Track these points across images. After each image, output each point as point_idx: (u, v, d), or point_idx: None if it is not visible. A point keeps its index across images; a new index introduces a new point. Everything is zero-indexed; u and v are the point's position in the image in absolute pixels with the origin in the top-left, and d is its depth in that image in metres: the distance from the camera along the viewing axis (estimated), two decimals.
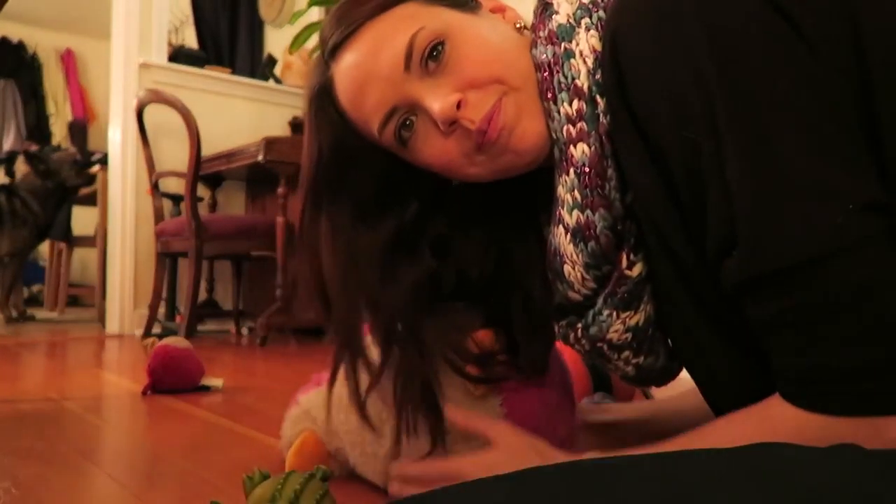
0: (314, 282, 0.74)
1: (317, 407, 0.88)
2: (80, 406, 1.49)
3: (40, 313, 4.48)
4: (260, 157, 2.82)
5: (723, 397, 0.64)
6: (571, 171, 0.62)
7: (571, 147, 0.62)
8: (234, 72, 3.99)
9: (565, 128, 0.62)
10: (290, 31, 3.23)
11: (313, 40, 3.15)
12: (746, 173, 0.50)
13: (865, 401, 0.50)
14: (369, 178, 0.73)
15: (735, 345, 0.59)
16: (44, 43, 6.35)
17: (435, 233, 0.77)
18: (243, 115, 3.66)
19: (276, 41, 4.32)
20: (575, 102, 0.61)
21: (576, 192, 0.62)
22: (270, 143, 2.84)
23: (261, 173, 3.14)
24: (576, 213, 0.63)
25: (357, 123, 0.69)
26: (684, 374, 0.73)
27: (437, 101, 0.63)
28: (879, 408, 0.50)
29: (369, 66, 0.65)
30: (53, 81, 6.38)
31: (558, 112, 0.62)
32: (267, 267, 3.22)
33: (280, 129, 3.72)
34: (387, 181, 0.73)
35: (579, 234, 0.63)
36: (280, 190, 2.89)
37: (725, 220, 0.52)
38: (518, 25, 0.71)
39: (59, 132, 6.26)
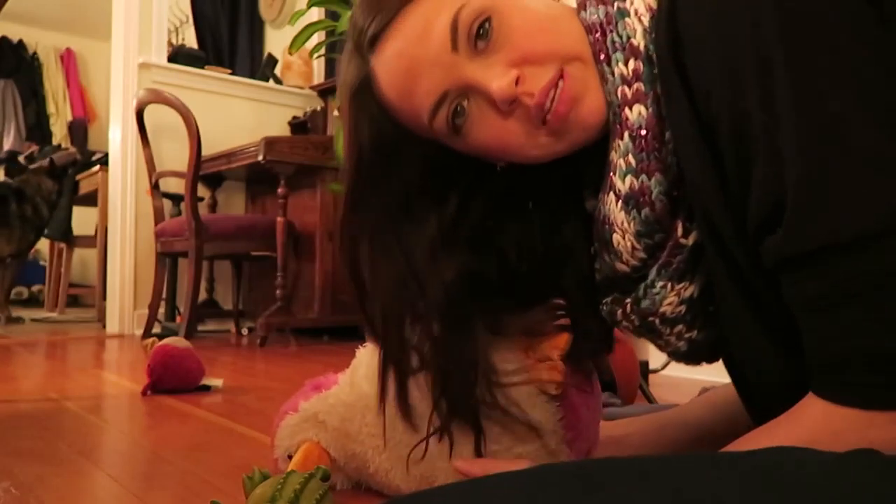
0: (354, 281, 0.72)
1: (326, 412, 0.84)
2: (80, 406, 1.49)
3: (40, 313, 4.49)
4: (260, 157, 2.82)
5: (760, 384, 0.62)
6: (626, 134, 0.59)
7: (626, 109, 0.59)
8: (234, 72, 3.99)
9: (620, 89, 0.59)
10: (290, 31, 3.23)
11: (313, 40, 3.15)
12: (802, 143, 0.48)
13: None
14: (414, 171, 0.70)
15: (769, 324, 0.57)
16: (44, 43, 6.36)
17: (479, 218, 0.74)
18: (243, 115, 3.66)
19: (276, 41, 4.32)
20: (631, 62, 0.59)
21: (630, 156, 0.59)
22: (270, 143, 2.84)
23: (261, 173, 3.14)
24: (629, 178, 0.60)
25: (404, 115, 0.66)
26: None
27: (495, 79, 0.60)
28: None
29: (415, 52, 0.62)
30: (53, 81, 6.38)
31: (612, 73, 0.60)
32: (267, 267, 3.22)
33: (280, 129, 3.72)
34: (432, 171, 0.71)
35: (632, 201, 0.61)
36: (280, 190, 2.89)
37: (773, 194, 0.50)
38: None
39: (59, 132, 6.27)
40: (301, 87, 3.85)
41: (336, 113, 3.14)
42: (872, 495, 0.42)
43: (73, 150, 4.66)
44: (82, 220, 4.63)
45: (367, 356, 0.85)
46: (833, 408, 0.51)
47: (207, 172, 3.21)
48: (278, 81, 3.87)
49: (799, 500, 0.42)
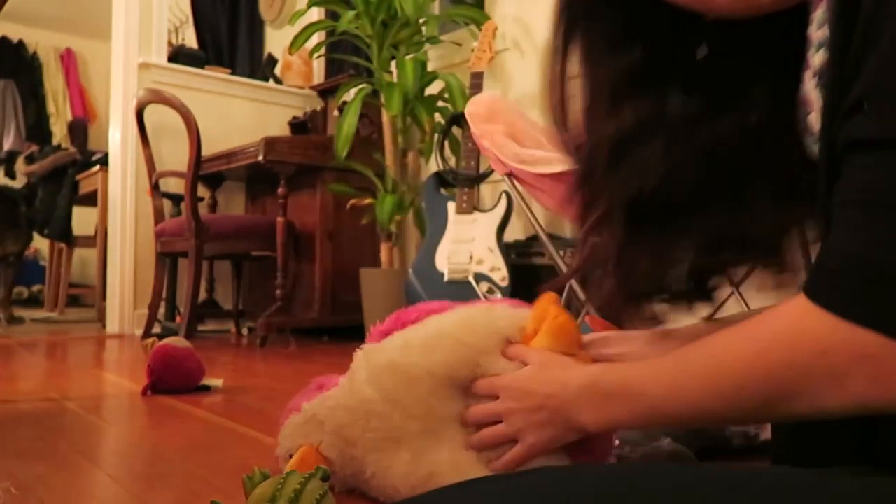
0: (559, 106, 0.73)
1: (326, 414, 0.84)
2: (80, 406, 1.50)
3: (40, 313, 4.49)
4: (260, 157, 2.83)
5: None
6: (822, 5, 0.57)
7: None
8: (234, 72, 3.99)
9: None
10: (290, 31, 3.23)
11: (313, 40, 3.15)
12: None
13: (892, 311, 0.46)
14: (615, 10, 0.71)
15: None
16: (44, 43, 6.36)
17: (686, 70, 0.72)
18: (243, 115, 3.66)
19: (276, 41, 4.32)
20: None
21: (826, 28, 0.56)
22: (270, 143, 2.84)
23: (261, 173, 3.14)
24: (822, 52, 0.56)
25: None
26: None
27: None
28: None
29: None
30: (53, 81, 6.38)
31: None
32: (267, 267, 3.22)
33: (280, 129, 3.72)
34: (632, 13, 0.71)
35: (824, 76, 0.58)
36: (280, 190, 2.89)
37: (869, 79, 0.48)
38: None
39: (59, 132, 6.27)
40: (301, 87, 3.86)
41: (336, 113, 3.14)
42: None
43: (72, 150, 4.67)
44: (82, 220, 4.63)
45: (365, 360, 0.85)
46: (815, 310, 0.49)
47: (207, 172, 3.21)
48: (278, 81, 3.88)
49: None
